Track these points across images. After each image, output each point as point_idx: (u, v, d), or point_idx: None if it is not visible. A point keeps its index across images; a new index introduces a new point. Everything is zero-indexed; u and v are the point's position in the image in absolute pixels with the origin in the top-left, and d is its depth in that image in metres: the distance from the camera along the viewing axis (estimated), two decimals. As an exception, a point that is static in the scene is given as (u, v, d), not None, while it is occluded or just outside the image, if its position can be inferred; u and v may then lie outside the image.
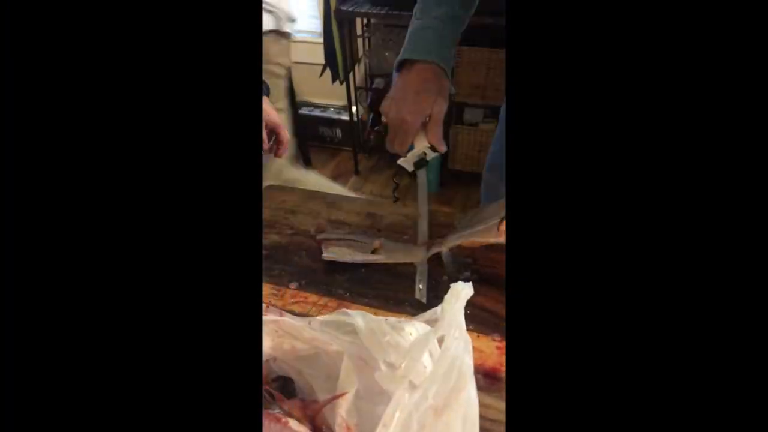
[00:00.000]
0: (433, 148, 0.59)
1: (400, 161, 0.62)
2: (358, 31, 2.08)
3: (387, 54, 2.07)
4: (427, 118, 0.58)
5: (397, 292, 0.55)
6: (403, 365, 0.27)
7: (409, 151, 0.60)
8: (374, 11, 1.80)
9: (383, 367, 0.32)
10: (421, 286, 0.55)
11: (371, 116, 2.27)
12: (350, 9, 1.83)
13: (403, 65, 0.59)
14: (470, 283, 0.34)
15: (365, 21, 2.07)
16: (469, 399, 0.25)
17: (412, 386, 0.26)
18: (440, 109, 0.57)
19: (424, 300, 0.53)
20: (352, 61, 2.03)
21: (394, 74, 0.60)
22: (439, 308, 0.35)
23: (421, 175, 0.65)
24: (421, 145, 0.59)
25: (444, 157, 2.06)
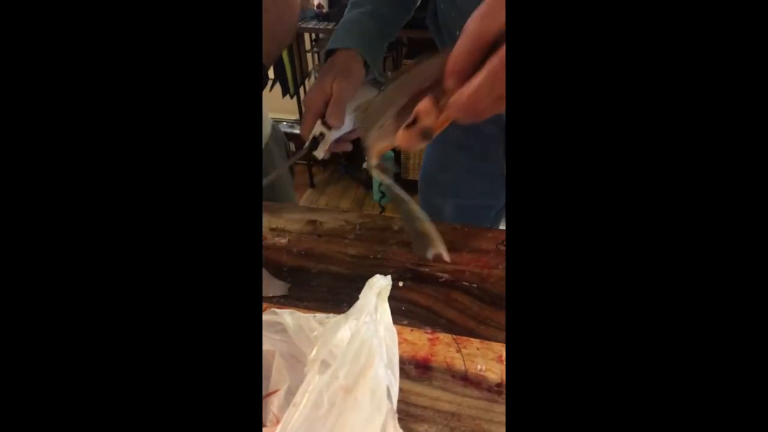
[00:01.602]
0: (327, 126, 0.59)
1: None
2: (307, 46, 2.11)
3: (336, 68, 2.11)
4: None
5: (336, 293, 0.57)
6: (314, 350, 0.29)
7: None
8: (321, 26, 1.83)
9: (311, 361, 0.34)
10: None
11: (324, 129, 2.29)
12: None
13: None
14: (389, 277, 0.37)
15: (313, 36, 2.10)
16: (376, 376, 0.27)
17: (326, 366, 0.28)
18: (338, 88, 0.58)
19: None
20: (302, 75, 2.05)
21: None
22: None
23: (319, 151, 0.62)
24: (317, 125, 0.59)
25: (398, 169, 2.10)
